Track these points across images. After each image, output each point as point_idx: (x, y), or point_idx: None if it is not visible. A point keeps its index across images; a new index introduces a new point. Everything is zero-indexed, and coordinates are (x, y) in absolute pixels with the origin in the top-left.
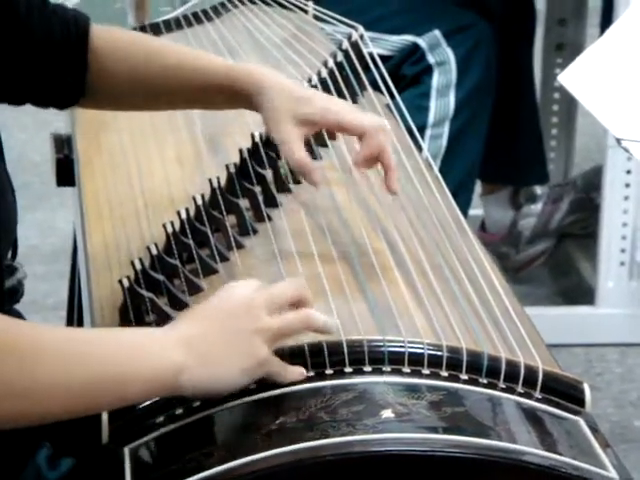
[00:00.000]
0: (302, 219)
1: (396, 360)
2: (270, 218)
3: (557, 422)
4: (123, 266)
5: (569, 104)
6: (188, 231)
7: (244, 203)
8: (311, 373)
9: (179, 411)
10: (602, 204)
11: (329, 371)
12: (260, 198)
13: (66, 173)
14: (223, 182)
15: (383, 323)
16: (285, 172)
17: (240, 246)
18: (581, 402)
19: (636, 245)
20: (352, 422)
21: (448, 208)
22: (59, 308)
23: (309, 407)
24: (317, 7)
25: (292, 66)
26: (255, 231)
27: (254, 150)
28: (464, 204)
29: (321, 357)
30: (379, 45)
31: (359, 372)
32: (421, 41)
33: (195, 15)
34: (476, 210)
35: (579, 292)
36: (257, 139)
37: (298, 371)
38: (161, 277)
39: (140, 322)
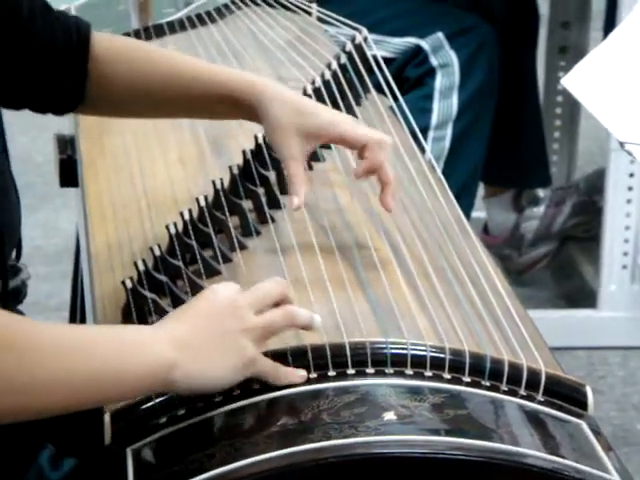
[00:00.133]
0: (305, 221)
1: (399, 362)
2: (273, 219)
3: (560, 425)
4: (126, 267)
5: (572, 107)
6: (191, 232)
7: (247, 204)
8: (313, 375)
9: (181, 412)
10: (605, 207)
11: (331, 373)
12: (263, 200)
13: (69, 174)
14: (226, 183)
15: (386, 325)
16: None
17: (243, 247)
18: (584, 405)
19: (639, 248)
20: (354, 424)
21: (451, 210)
22: (62, 309)
23: (311, 409)
24: (321, 9)
25: (296, 68)
26: (258, 232)
27: (257, 152)
28: (467, 206)
29: (324, 359)
30: (382, 47)
31: (362, 374)
32: (424, 43)
33: (199, 17)
34: (479, 212)
35: (581, 295)
36: (260, 141)
37: (298, 373)
38: (164, 278)
39: (143, 323)
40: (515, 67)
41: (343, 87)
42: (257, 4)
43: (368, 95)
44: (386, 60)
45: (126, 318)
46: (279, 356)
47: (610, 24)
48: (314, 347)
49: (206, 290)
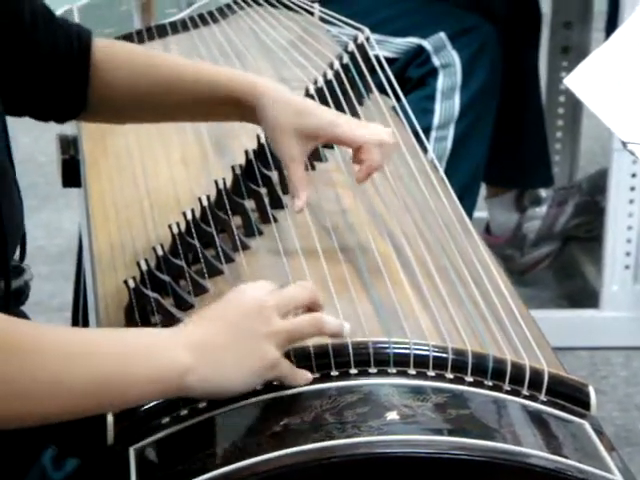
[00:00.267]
0: (307, 221)
1: (401, 362)
2: (276, 219)
3: (562, 425)
4: (129, 267)
5: (574, 107)
6: (194, 232)
7: (250, 204)
8: (316, 375)
9: (184, 412)
10: (607, 207)
11: (334, 373)
12: (266, 199)
13: (72, 174)
14: (229, 183)
15: (388, 325)
16: None
17: (245, 247)
18: (586, 405)
19: None
20: (357, 424)
21: (453, 210)
22: (64, 309)
23: (314, 409)
24: (323, 9)
25: (298, 68)
26: (260, 232)
27: (260, 151)
28: (469, 207)
29: (326, 359)
30: (384, 47)
31: (364, 374)
32: (426, 43)
33: (201, 17)
34: (481, 213)
35: (584, 295)
36: (263, 140)
37: (306, 375)
38: (167, 278)
39: (145, 323)
40: (517, 67)
41: (345, 87)
42: (259, 4)
43: (370, 95)
44: (388, 60)
45: (128, 318)
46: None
47: (612, 24)
48: (317, 347)
49: (234, 290)
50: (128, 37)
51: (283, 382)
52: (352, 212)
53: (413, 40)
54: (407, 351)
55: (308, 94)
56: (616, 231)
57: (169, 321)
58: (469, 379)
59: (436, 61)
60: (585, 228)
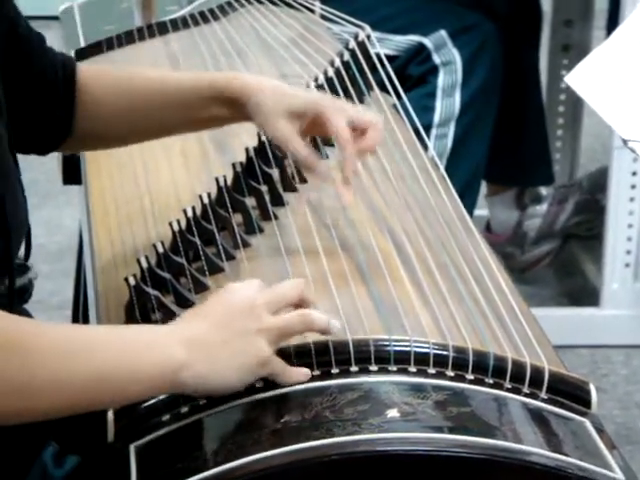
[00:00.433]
0: (308, 218)
1: (402, 359)
2: (276, 217)
3: (563, 423)
4: (129, 264)
5: (575, 105)
6: (194, 229)
7: (250, 202)
8: (317, 372)
9: (185, 409)
10: (607, 205)
11: (335, 370)
12: (266, 197)
13: (72, 171)
14: (229, 181)
15: (389, 322)
16: (292, 171)
17: (246, 244)
18: (587, 403)
19: None
20: (358, 421)
21: (454, 207)
22: (64, 307)
23: (315, 406)
24: (324, 7)
25: (299, 65)
26: (261, 230)
27: (260, 149)
28: (470, 205)
29: (327, 356)
30: (385, 45)
31: (365, 371)
32: (427, 41)
33: (202, 14)
34: (481, 211)
35: (584, 293)
36: (264, 138)
37: (302, 372)
38: (167, 275)
39: (146, 320)
40: (518, 65)
41: (346, 84)
42: (260, 2)
43: (371, 93)
44: (389, 58)
45: (129, 315)
46: (282, 354)
47: (613, 22)
48: (317, 344)
49: (224, 288)
50: (129, 34)
51: (276, 380)
52: (352, 209)
53: (414, 38)
54: (408, 349)
55: None
56: (616, 229)
57: (169, 319)
58: (470, 377)
59: (437, 59)
60: (585, 226)
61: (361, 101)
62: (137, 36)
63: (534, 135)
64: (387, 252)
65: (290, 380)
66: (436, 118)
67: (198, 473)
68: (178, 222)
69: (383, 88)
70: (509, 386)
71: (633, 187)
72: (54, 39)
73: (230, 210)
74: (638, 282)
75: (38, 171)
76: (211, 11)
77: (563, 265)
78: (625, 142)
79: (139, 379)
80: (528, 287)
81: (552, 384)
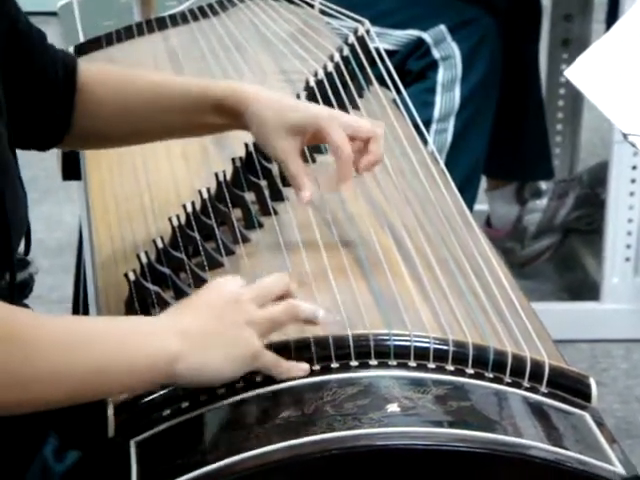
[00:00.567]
0: (308, 213)
1: (402, 354)
2: (276, 212)
3: (563, 417)
4: (129, 259)
5: (575, 99)
6: (194, 224)
7: (250, 197)
8: (317, 367)
9: (185, 404)
10: (607, 200)
11: (335, 365)
12: (266, 192)
13: (72, 167)
14: (229, 176)
15: (389, 317)
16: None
17: (246, 239)
18: (587, 397)
19: None
20: (358, 416)
21: (454, 202)
22: (64, 302)
23: (315, 401)
24: (323, 1)
25: (298, 60)
26: (261, 225)
27: None
28: (469, 199)
29: (327, 350)
30: (384, 40)
31: (365, 366)
32: (426, 36)
33: (201, 9)
34: (481, 205)
35: (584, 288)
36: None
37: (300, 367)
38: (167, 270)
39: (146, 315)
40: (517, 59)
41: (346, 79)
42: None
43: (370, 87)
44: (388, 53)
45: (129, 310)
46: (282, 348)
47: (612, 16)
48: (317, 339)
49: (210, 284)
50: (128, 30)
51: (269, 373)
52: (352, 204)
53: (413, 32)
54: (408, 343)
55: (308, 86)
56: (616, 223)
57: None
58: (470, 371)
59: (436, 54)
60: (585, 220)
61: (360, 96)
62: (136, 31)
63: (534, 129)
64: (387, 247)
65: (284, 374)
66: (436, 113)
67: (198, 468)
68: (178, 217)
69: (382, 83)
70: (509, 380)
71: (633, 181)
72: (53, 35)
73: (230, 205)
74: (638, 276)
75: (38, 167)
76: (210, 6)
77: (563, 260)
78: (625, 136)
79: (137, 370)
80: (528, 282)
81: (552, 378)
